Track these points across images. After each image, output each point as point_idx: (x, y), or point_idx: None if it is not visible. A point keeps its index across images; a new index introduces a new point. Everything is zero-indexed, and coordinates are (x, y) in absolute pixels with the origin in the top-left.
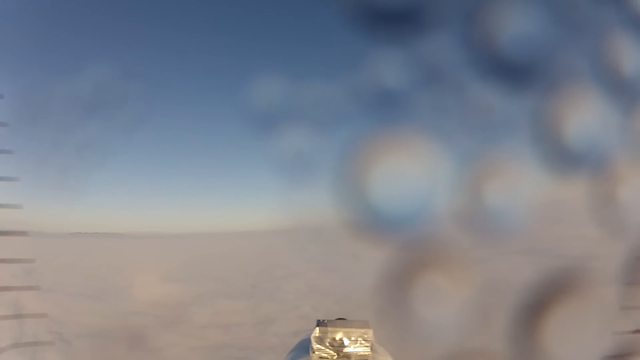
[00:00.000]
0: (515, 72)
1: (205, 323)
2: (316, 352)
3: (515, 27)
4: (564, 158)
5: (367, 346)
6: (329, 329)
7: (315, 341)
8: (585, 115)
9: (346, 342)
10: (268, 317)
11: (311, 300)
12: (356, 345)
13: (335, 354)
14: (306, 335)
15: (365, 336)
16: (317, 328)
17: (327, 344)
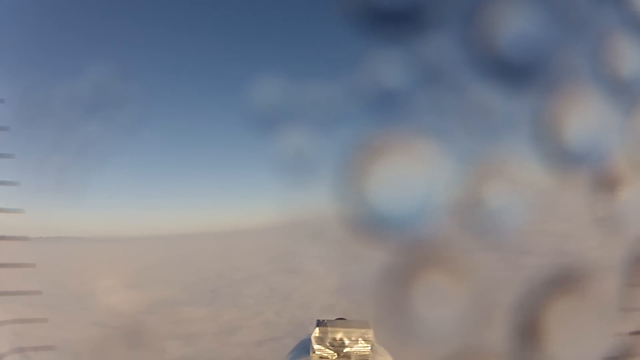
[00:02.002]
0: (515, 72)
1: (165, 333)
2: (316, 352)
3: (515, 27)
4: (563, 158)
5: (367, 346)
6: (329, 329)
7: (315, 341)
8: (585, 115)
9: (346, 342)
10: (230, 325)
11: (274, 305)
12: (356, 345)
13: (335, 354)
14: (306, 335)
15: (365, 336)
16: (317, 328)
17: (327, 344)
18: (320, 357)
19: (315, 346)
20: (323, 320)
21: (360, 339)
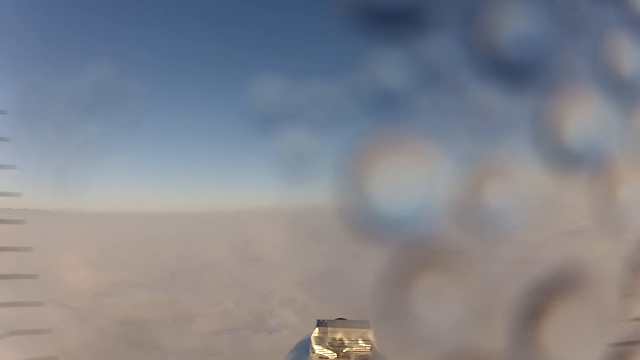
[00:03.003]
0: (515, 72)
1: (121, 317)
2: (316, 352)
3: (515, 27)
4: (563, 158)
5: (367, 346)
6: (329, 329)
7: (315, 341)
8: (585, 116)
9: (346, 342)
10: (188, 313)
11: (232, 294)
12: (356, 345)
13: (335, 354)
14: (306, 335)
15: (365, 336)
16: (317, 328)
17: (327, 344)
18: (320, 357)
19: (316, 346)
20: (323, 320)
21: (359, 339)
